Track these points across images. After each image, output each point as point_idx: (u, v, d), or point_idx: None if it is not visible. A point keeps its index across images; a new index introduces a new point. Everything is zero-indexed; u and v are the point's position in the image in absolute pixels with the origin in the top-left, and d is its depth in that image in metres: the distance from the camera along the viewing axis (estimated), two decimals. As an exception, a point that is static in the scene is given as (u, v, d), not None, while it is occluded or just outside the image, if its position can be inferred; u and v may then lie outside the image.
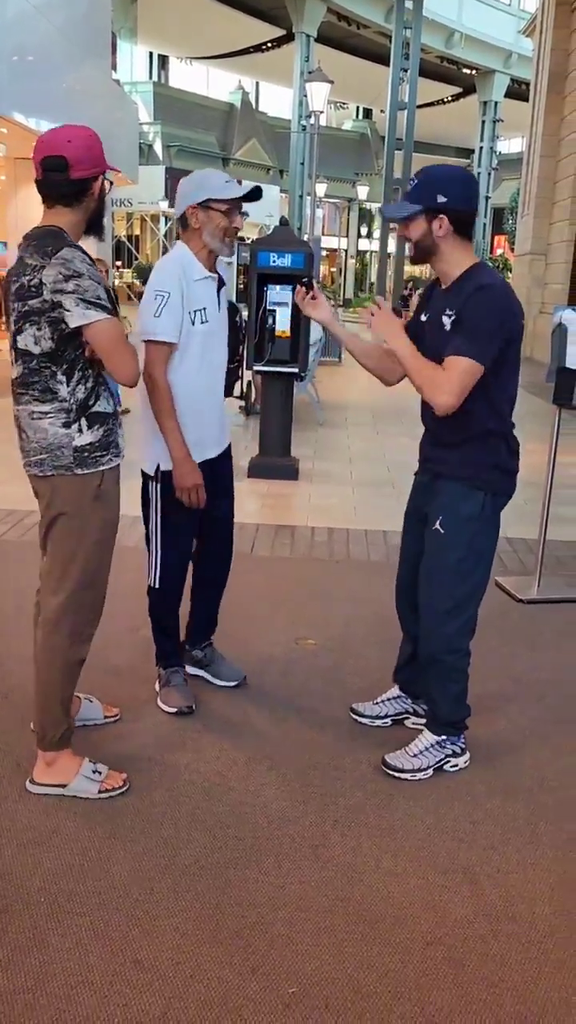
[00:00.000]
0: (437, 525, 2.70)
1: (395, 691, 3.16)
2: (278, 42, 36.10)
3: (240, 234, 3.09)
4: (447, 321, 2.56)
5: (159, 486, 3.00)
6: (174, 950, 2.08)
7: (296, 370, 6.45)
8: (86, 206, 2.46)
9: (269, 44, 36.62)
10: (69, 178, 2.40)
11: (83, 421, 2.46)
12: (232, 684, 3.34)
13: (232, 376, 3.70)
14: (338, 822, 2.58)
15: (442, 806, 2.68)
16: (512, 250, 31.46)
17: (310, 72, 24.72)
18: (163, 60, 40.16)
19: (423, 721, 2.99)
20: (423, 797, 2.72)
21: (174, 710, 3.13)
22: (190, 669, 3.38)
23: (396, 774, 2.80)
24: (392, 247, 29.81)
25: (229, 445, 3.22)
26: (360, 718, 3.13)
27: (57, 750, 2.65)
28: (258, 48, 37.11)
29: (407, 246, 2.67)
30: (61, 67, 14.23)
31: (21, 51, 12.35)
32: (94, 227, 2.55)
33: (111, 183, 2.58)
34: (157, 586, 3.13)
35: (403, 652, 3.10)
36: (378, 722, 3.12)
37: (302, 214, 30.17)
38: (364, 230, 46.10)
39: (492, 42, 36.12)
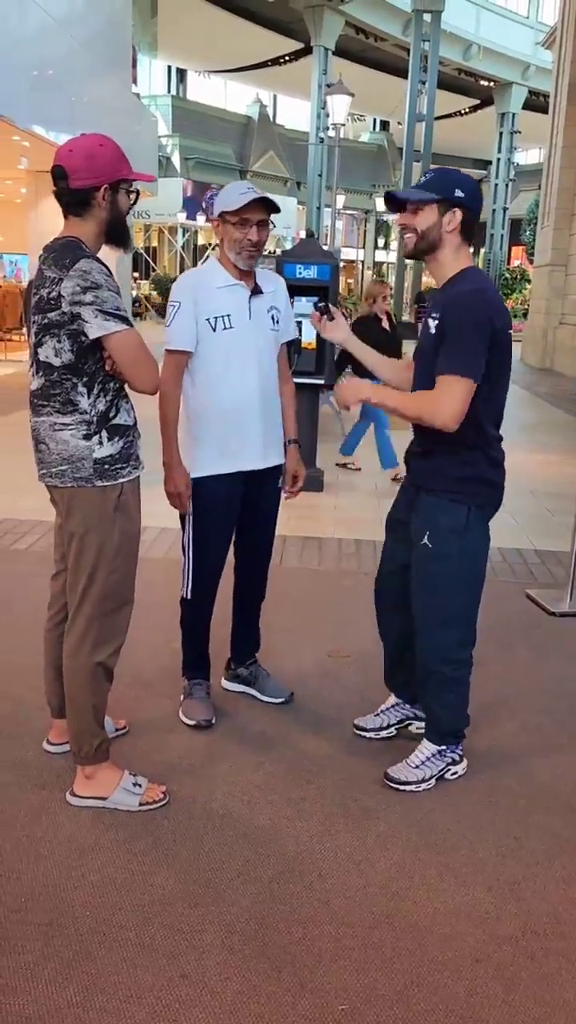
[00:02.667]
0: (424, 540, 2.68)
1: (392, 699, 3.14)
2: (296, 55, 36.26)
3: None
4: (432, 324, 2.56)
5: (191, 496, 3.01)
6: (222, 965, 2.07)
7: (322, 381, 6.45)
8: (96, 216, 2.44)
9: (287, 57, 36.78)
10: (69, 188, 2.40)
11: (104, 433, 2.46)
12: (278, 701, 3.32)
13: None
14: (380, 836, 2.56)
15: (484, 821, 2.66)
16: (530, 261, 31.41)
17: (328, 85, 24.83)
18: (182, 74, 40.42)
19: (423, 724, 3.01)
20: (464, 812, 2.70)
21: (192, 723, 3.13)
22: (236, 687, 3.40)
23: (399, 787, 2.77)
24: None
25: (279, 466, 3.14)
26: (364, 733, 3.09)
27: (94, 763, 2.64)
28: (276, 61, 37.28)
29: (404, 241, 2.62)
30: (82, 80, 14.35)
31: (42, 65, 12.47)
32: (114, 238, 2.52)
33: (135, 193, 2.53)
34: (189, 597, 3.13)
35: (389, 658, 3.09)
36: (383, 733, 3.09)
37: (320, 226, 30.25)
38: (381, 241, 46.18)
39: (510, 54, 36.12)
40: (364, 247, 45.07)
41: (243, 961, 2.08)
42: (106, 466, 2.46)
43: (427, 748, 2.84)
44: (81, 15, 14.71)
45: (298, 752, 3.00)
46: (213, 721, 3.14)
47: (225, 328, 2.89)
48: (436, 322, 2.53)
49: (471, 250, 2.68)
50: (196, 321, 2.87)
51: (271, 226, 2.92)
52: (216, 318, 2.88)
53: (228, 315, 2.89)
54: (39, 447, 2.51)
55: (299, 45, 35.11)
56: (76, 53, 13.97)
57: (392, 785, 2.78)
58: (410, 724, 3.11)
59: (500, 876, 2.41)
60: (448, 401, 2.45)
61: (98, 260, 2.39)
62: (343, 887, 2.34)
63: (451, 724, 2.83)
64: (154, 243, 34.49)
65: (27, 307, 2.51)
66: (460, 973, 2.07)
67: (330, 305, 2.93)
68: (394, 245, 34.02)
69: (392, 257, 37.27)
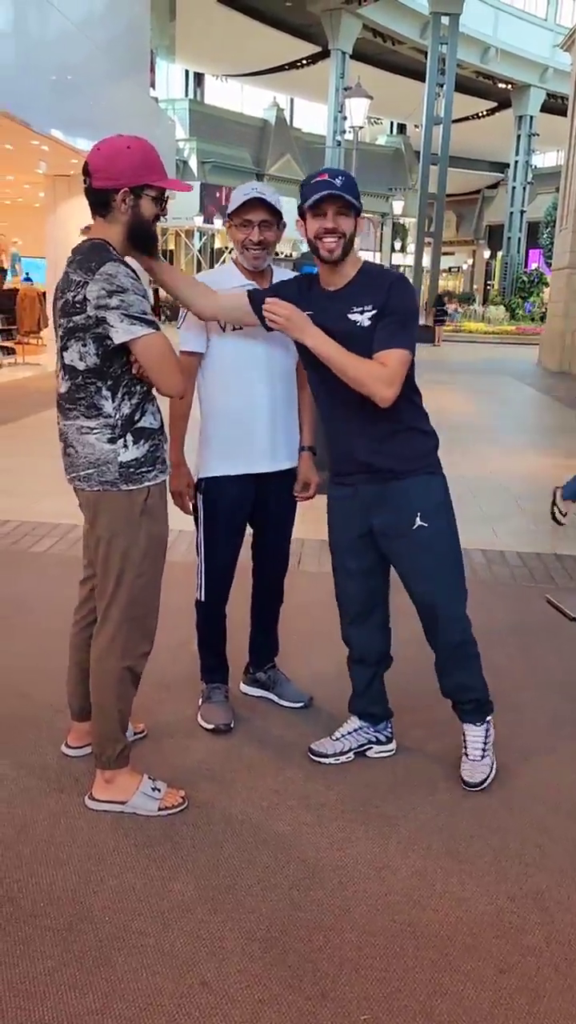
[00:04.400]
0: (418, 522, 2.65)
1: (355, 723, 3.00)
2: (313, 59, 36.35)
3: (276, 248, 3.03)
4: (361, 317, 2.53)
5: (201, 495, 3.03)
6: (242, 972, 2.04)
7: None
8: (118, 219, 2.40)
9: (304, 61, 36.87)
10: (92, 186, 2.39)
11: (128, 437, 2.44)
12: (297, 705, 3.30)
13: None
14: (401, 843, 2.53)
15: (507, 829, 2.62)
16: (548, 264, 31.32)
17: (346, 88, 24.83)
18: (199, 77, 40.59)
19: (388, 748, 2.99)
20: (486, 820, 2.67)
21: (211, 727, 3.11)
22: (255, 691, 3.40)
23: (483, 788, 2.79)
24: (426, 261, 29.79)
25: (291, 469, 3.09)
26: (322, 759, 2.93)
27: (115, 768, 2.63)
28: (293, 65, 37.37)
29: (329, 245, 2.51)
30: (100, 85, 14.43)
31: (62, 69, 12.55)
32: (138, 244, 2.47)
33: (161, 201, 2.46)
34: (203, 599, 3.12)
35: (359, 679, 2.99)
36: (342, 759, 2.94)
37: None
38: (398, 245, 46.14)
39: (528, 56, 36.07)
40: (380, 250, 45.02)
41: (264, 969, 2.05)
42: (131, 470, 2.45)
43: (478, 734, 2.86)
44: (100, 19, 14.79)
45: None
46: (232, 725, 3.12)
47: (235, 329, 2.86)
48: (371, 313, 2.52)
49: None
50: (205, 323, 2.86)
51: (280, 226, 2.87)
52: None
53: None
54: (67, 450, 2.51)
55: (316, 48, 35.19)
56: (95, 57, 14.05)
57: (475, 790, 2.79)
58: (369, 748, 2.99)
59: (524, 885, 2.38)
60: (399, 375, 2.50)
61: (124, 263, 2.37)
62: (364, 895, 2.32)
63: (485, 691, 2.88)
64: (171, 246, 34.60)
65: (53, 311, 2.50)
66: (484, 984, 2.04)
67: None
68: (411, 248, 33.96)
69: (409, 260, 37.19)
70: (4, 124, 10.92)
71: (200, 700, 3.23)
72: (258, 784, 2.80)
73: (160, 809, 2.61)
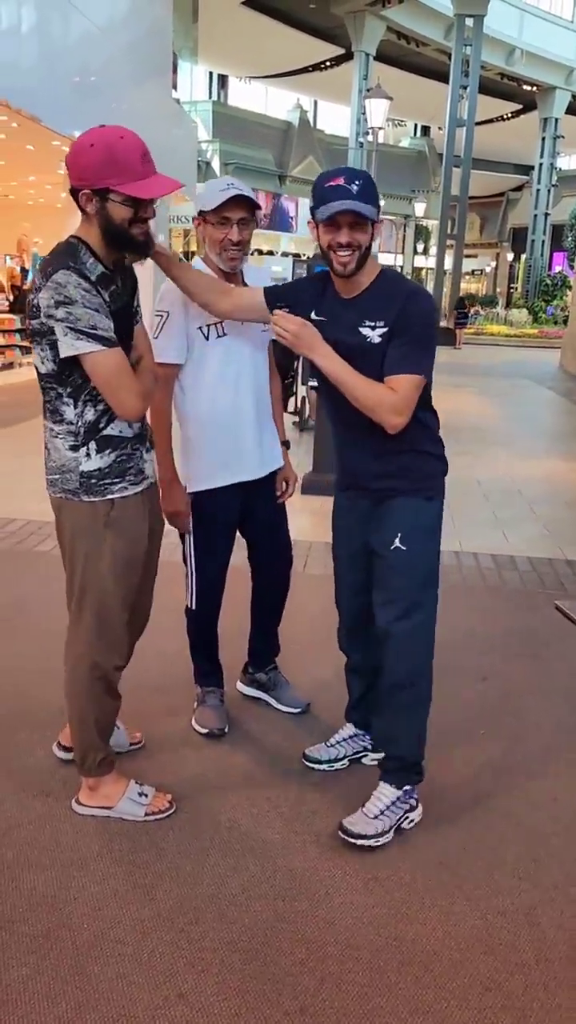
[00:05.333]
0: (397, 543, 2.46)
1: (350, 730, 2.94)
2: (337, 60, 36.26)
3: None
4: (372, 333, 2.34)
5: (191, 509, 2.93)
6: (220, 984, 1.99)
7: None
8: (92, 220, 2.22)
9: (328, 63, 36.79)
10: (71, 184, 2.21)
11: (92, 445, 2.30)
12: (295, 711, 3.24)
13: (286, 392, 3.61)
14: (391, 854, 2.47)
15: (501, 842, 2.56)
16: (572, 267, 31.08)
17: (367, 90, 24.78)
18: (222, 79, 40.61)
19: (382, 755, 2.75)
20: (480, 832, 2.60)
21: (205, 731, 3.06)
22: (252, 691, 3.34)
23: (358, 842, 2.47)
24: (449, 264, 29.64)
25: (276, 471, 3.02)
26: (316, 765, 2.87)
27: (97, 776, 2.58)
28: (317, 67, 37.32)
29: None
30: (123, 86, 14.45)
31: (84, 71, 12.58)
32: (117, 248, 2.26)
33: (136, 203, 2.19)
34: (194, 608, 3.05)
35: (355, 688, 2.90)
36: (336, 765, 2.88)
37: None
38: (420, 247, 45.97)
39: (553, 58, 35.75)
40: (403, 252, 44.87)
41: (243, 982, 2.00)
42: (93, 480, 2.32)
43: (387, 794, 2.56)
44: (123, 22, 14.82)
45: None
46: (226, 730, 3.07)
47: (219, 336, 2.75)
48: (382, 330, 2.33)
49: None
50: (187, 331, 2.73)
51: (255, 224, 2.74)
52: (209, 326, 2.74)
53: (220, 322, 2.74)
54: (45, 452, 2.42)
55: (340, 50, 35.10)
56: (117, 59, 14.07)
57: (349, 840, 2.47)
58: (364, 756, 2.92)
59: (516, 900, 2.31)
60: (410, 402, 2.33)
61: (80, 272, 2.14)
62: (350, 907, 2.26)
63: (415, 751, 2.59)
64: (193, 247, 34.65)
65: None
66: (467, 1002, 1.97)
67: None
68: (433, 251, 33.81)
69: (431, 263, 37.03)
70: (26, 125, 10.94)
71: (195, 704, 3.19)
72: (250, 790, 2.75)
73: (147, 814, 2.57)
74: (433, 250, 35.10)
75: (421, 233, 45.68)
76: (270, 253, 37.79)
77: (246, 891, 2.30)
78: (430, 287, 26.75)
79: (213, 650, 3.18)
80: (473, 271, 49.99)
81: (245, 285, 2.78)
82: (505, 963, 2.10)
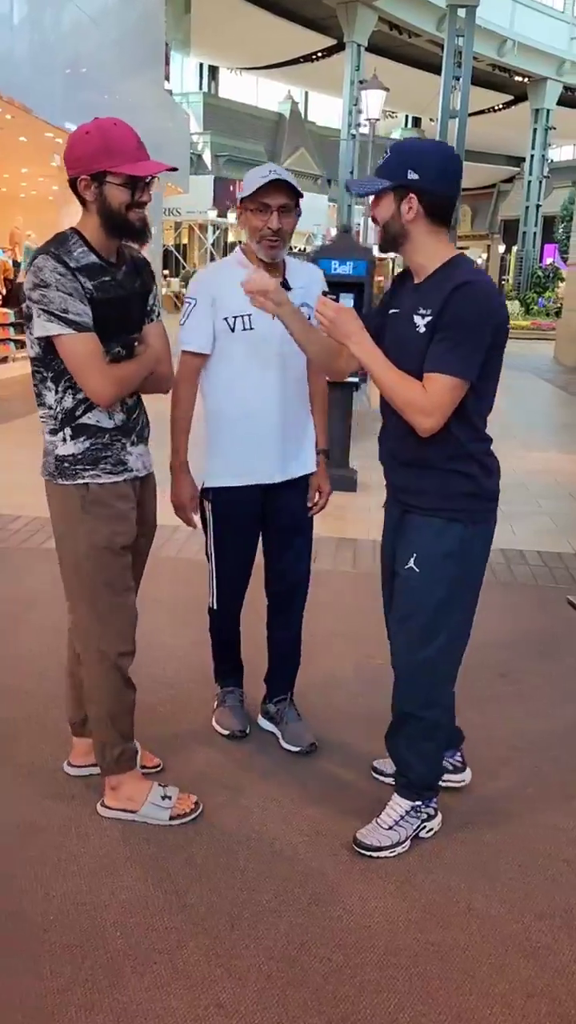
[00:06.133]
0: (411, 563, 2.31)
1: None
2: (328, 51, 36.05)
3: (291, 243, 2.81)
4: (420, 321, 2.17)
5: (209, 504, 2.84)
6: (258, 993, 1.96)
7: (357, 379, 6.33)
8: (91, 209, 2.26)
9: (319, 54, 36.58)
10: (69, 177, 2.26)
11: (67, 431, 2.35)
12: (295, 750, 2.94)
13: None
14: (423, 857, 2.44)
15: (533, 843, 2.53)
16: (564, 259, 31.01)
17: (361, 81, 24.67)
18: (213, 71, 40.37)
19: (458, 778, 2.73)
20: (512, 833, 2.57)
21: (227, 732, 3.00)
22: (266, 724, 3.11)
23: (372, 854, 2.41)
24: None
25: (305, 476, 2.87)
26: (383, 778, 2.77)
27: (117, 773, 2.54)
28: (308, 58, 37.11)
29: (377, 231, 2.29)
30: (115, 77, 14.34)
31: (76, 62, 12.46)
32: (116, 234, 2.29)
33: (134, 186, 2.23)
34: (215, 607, 2.98)
35: None
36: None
37: (351, 223, 30.06)
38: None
39: (545, 49, 35.69)
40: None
41: (282, 990, 1.97)
42: (66, 464, 2.36)
43: (400, 805, 2.49)
44: (115, 12, 14.69)
45: (335, 764, 2.89)
46: (247, 731, 3.02)
47: (245, 329, 2.65)
48: (428, 319, 2.16)
49: (448, 234, 2.26)
50: (213, 321, 2.65)
51: (297, 213, 2.62)
52: (235, 318, 2.64)
53: (249, 315, 2.62)
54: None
55: (332, 41, 34.90)
56: (109, 50, 13.95)
57: (363, 852, 2.42)
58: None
59: (552, 903, 2.28)
60: (440, 402, 2.13)
61: (59, 259, 2.18)
62: (385, 911, 2.23)
63: (427, 777, 2.49)
64: (184, 240, 34.49)
65: None
66: (512, 1008, 1.94)
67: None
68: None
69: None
70: (18, 116, 10.84)
71: (215, 704, 3.14)
72: (274, 792, 2.72)
73: (172, 818, 2.53)
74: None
75: (413, 225, 45.54)
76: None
77: (278, 897, 2.26)
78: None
79: (233, 651, 3.10)
80: (464, 263, 49.85)
81: (285, 280, 2.67)
82: (546, 967, 2.07)
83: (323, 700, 3.29)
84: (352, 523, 5.77)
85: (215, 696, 3.16)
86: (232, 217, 29.90)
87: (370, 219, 2.32)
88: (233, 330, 2.66)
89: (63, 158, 2.28)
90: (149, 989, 1.96)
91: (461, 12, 26.99)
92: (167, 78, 19.47)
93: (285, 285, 2.65)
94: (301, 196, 2.63)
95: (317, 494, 2.92)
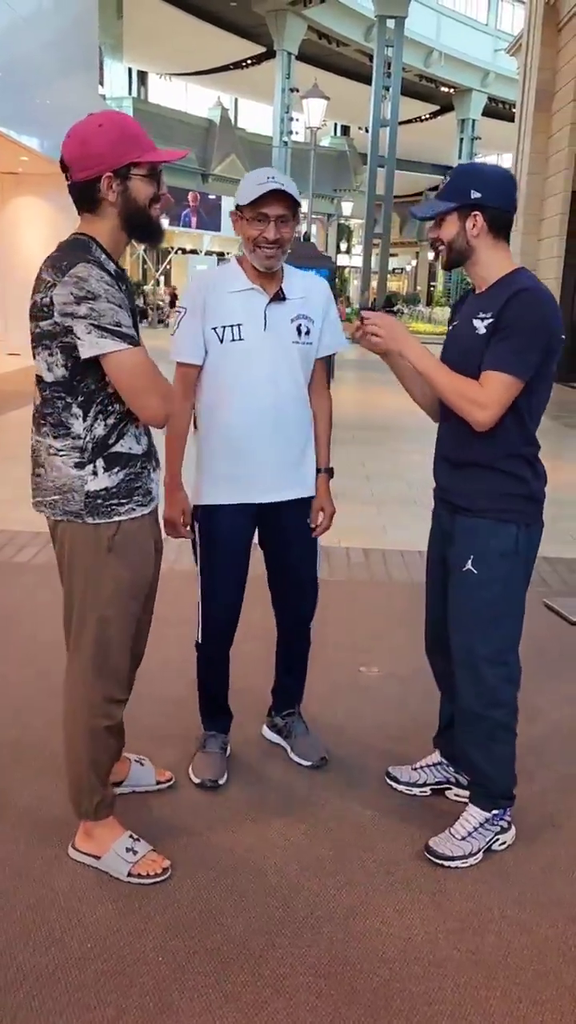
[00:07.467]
0: (469, 566, 2.37)
1: (436, 756, 2.83)
2: (258, 59, 36.24)
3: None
4: (480, 324, 2.28)
5: (197, 524, 2.72)
6: (312, 1012, 1.94)
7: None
8: (109, 211, 2.08)
9: (249, 61, 36.74)
10: (73, 181, 2.08)
11: (100, 462, 2.12)
12: (307, 764, 2.92)
13: None
14: (450, 866, 2.45)
15: (554, 847, 2.56)
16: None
17: (293, 89, 24.80)
18: (142, 76, 40.16)
19: (467, 793, 2.65)
20: (533, 837, 2.60)
21: (197, 781, 2.77)
22: (273, 737, 3.07)
23: (444, 863, 2.43)
24: (375, 263, 29.91)
25: (309, 497, 2.78)
26: (396, 784, 2.80)
27: (94, 820, 2.36)
28: (238, 65, 37.22)
29: (439, 253, 2.41)
30: (49, 81, 14.13)
31: (9, 65, 12.22)
32: (140, 234, 2.16)
33: (156, 177, 2.12)
34: (200, 641, 2.82)
35: (444, 713, 2.77)
36: (415, 790, 2.79)
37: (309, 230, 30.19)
38: (344, 246, 46.29)
39: (470, 60, 36.50)
40: (327, 251, 45.15)
41: (335, 1008, 1.95)
42: (99, 501, 2.13)
43: (475, 815, 2.50)
44: (48, 14, 14.47)
45: (346, 773, 2.89)
46: (220, 782, 2.78)
47: (234, 340, 2.55)
48: (488, 322, 2.26)
49: (509, 248, 2.37)
50: (202, 330, 2.56)
51: (297, 220, 2.55)
52: (224, 328, 2.55)
53: (239, 324, 2.54)
54: (36, 470, 2.20)
55: (261, 49, 35.10)
56: (42, 53, 13.74)
57: (436, 861, 2.44)
58: (448, 789, 2.80)
59: (581, 905, 2.32)
60: (495, 396, 2.21)
61: (100, 266, 2.02)
62: (422, 922, 2.23)
63: (503, 783, 2.50)
64: (170, 242, 34.20)
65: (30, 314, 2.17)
66: (563, 1015, 1.97)
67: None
68: (357, 249, 34.07)
69: (355, 261, 37.33)
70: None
71: (195, 748, 2.93)
72: (293, 805, 2.70)
73: (129, 875, 2.32)
74: (356, 248, 35.40)
75: (343, 232, 46.01)
76: (194, 252, 37.56)
77: (313, 912, 2.25)
78: (351, 286, 26.85)
79: (221, 692, 2.92)
80: (394, 270, 50.52)
81: (280, 291, 2.60)
82: (587, 971, 2.10)
83: (326, 711, 3.29)
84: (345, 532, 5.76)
85: (197, 739, 2.96)
86: (163, 223, 29.75)
87: (430, 241, 2.41)
88: (222, 341, 2.56)
89: (67, 160, 2.06)
90: (200, 1014, 1.92)
91: (390, 23, 27.44)
92: (101, 82, 19.26)
93: (280, 295, 2.60)
94: (300, 205, 2.57)
95: (320, 514, 2.82)
